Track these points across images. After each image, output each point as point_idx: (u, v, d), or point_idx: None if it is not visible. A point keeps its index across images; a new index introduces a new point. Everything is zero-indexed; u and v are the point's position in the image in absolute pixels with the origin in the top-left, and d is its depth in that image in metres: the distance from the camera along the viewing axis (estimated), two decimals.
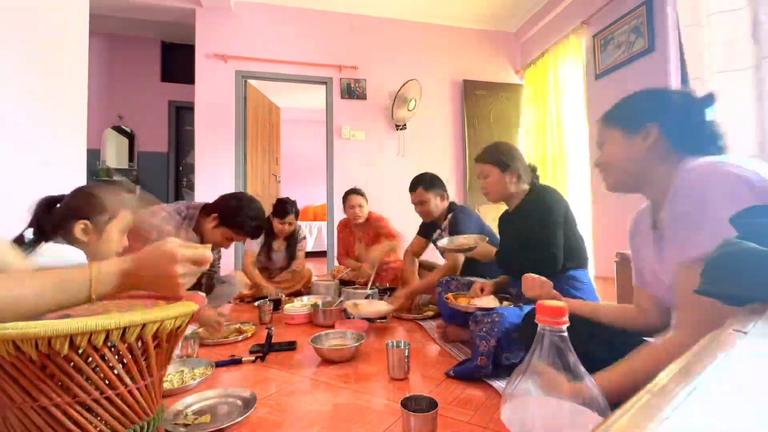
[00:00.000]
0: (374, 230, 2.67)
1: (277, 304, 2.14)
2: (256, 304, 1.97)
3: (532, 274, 1.11)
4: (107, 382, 0.61)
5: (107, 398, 0.61)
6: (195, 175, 3.58)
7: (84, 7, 2.29)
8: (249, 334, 1.70)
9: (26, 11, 1.87)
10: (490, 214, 3.86)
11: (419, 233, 2.31)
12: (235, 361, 1.38)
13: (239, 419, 0.96)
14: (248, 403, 1.03)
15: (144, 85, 4.54)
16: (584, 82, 3.30)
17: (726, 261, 0.50)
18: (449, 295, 1.54)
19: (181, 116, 4.74)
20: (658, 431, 0.19)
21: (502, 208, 1.65)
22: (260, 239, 2.55)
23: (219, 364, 1.34)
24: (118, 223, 1.13)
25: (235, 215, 1.66)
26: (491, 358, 1.19)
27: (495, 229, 2.01)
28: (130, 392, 0.64)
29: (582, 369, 0.45)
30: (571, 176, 3.44)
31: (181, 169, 4.78)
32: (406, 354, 1.24)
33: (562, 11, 3.61)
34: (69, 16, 2.18)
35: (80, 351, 0.57)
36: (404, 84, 3.74)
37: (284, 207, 2.49)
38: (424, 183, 2.07)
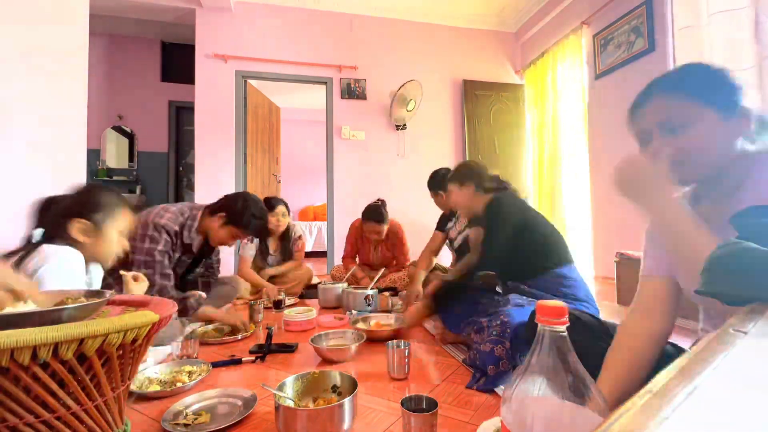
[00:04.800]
0: (391, 243, 2.68)
1: (278, 304, 2.15)
2: (250, 303, 1.98)
3: None
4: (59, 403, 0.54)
5: (45, 422, 0.54)
6: (195, 175, 3.58)
7: (84, 7, 2.29)
8: (248, 333, 1.70)
9: (26, 11, 1.87)
10: None
11: (438, 228, 2.36)
12: (235, 361, 1.38)
13: (239, 419, 0.96)
14: (248, 403, 1.03)
15: (144, 85, 4.54)
16: (584, 82, 3.30)
17: (726, 261, 0.50)
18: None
19: (181, 116, 4.74)
20: (658, 431, 0.19)
21: None
22: (255, 243, 2.57)
23: (218, 364, 1.34)
24: (116, 222, 1.09)
25: (241, 215, 1.72)
26: (510, 360, 1.16)
27: None
28: (74, 415, 0.56)
29: (582, 369, 0.45)
30: (571, 176, 3.44)
31: (181, 169, 4.78)
32: (407, 354, 1.24)
33: (562, 11, 3.61)
34: (69, 15, 2.18)
35: (5, 369, 0.50)
36: (403, 84, 3.74)
37: (270, 201, 2.50)
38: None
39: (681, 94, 0.69)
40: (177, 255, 1.71)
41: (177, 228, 1.67)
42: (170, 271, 1.63)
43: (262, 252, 2.59)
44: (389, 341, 1.26)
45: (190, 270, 1.89)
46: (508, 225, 1.45)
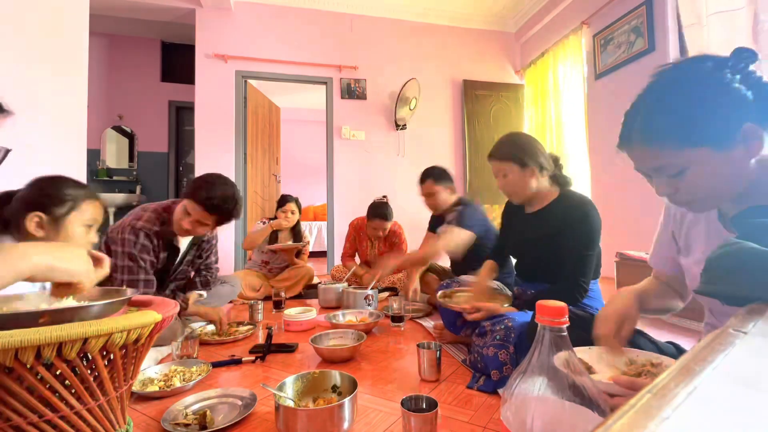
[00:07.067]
0: (390, 242, 2.71)
1: (278, 304, 2.15)
2: (250, 303, 1.98)
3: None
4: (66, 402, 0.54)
5: (48, 422, 0.53)
6: (195, 175, 3.57)
7: (84, 7, 2.29)
8: (248, 333, 1.70)
9: (26, 11, 1.87)
10: (492, 213, 3.86)
11: (429, 229, 2.35)
12: (235, 361, 1.38)
13: (239, 419, 0.96)
14: (248, 403, 1.03)
15: (144, 85, 4.54)
16: (584, 82, 3.30)
17: (726, 261, 0.50)
18: (442, 294, 1.53)
19: (181, 116, 4.74)
20: (658, 431, 0.19)
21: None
22: (267, 224, 2.59)
23: (218, 364, 1.34)
24: (80, 215, 0.99)
25: (198, 191, 1.49)
26: (514, 364, 1.14)
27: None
28: (78, 414, 0.56)
29: (582, 368, 0.45)
30: (571, 176, 3.44)
31: (181, 169, 4.78)
32: (438, 356, 1.22)
33: (562, 11, 3.61)
34: (69, 16, 2.18)
35: (9, 369, 0.49)
36: (405, 84, 3.75)
37: (284, 197, 2.59)
38: (433, 175, 2.10)
39: (661, 146, 0.61)
40: (163, 255, 1.61)
41: (157, 228, 1.55)
42: (152, 277, 1.54)
43: (272, 243, 2.65)
44: (420, 344, 1.24)
45: (179, 265, 1.76)
46: (597, 244, 1.24)
